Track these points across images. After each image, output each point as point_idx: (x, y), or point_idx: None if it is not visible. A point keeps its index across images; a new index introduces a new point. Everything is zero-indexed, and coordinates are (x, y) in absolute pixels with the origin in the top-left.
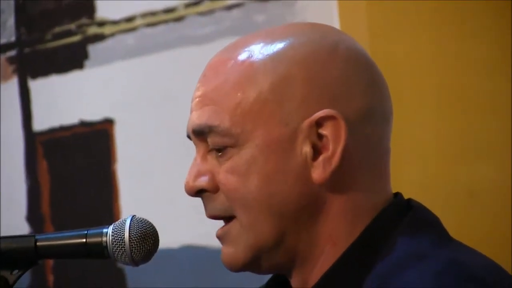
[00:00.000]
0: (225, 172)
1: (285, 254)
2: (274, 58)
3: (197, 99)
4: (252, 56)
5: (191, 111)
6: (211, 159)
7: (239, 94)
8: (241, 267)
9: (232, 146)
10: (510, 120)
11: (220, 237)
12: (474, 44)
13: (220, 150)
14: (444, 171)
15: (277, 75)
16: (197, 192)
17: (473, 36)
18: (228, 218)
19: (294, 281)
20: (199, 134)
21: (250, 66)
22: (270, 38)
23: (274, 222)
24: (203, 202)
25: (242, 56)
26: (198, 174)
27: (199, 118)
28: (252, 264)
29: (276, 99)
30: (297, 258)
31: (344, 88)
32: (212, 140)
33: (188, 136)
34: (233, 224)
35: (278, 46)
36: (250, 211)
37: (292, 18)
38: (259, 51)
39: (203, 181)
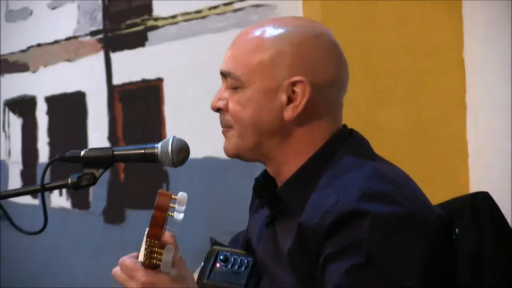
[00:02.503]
0: (233, 102)
1: (260, 156)
2: (277, 38)
3: (228, 54)
4: (263, 34)
5: (224, 61)
6: (229, 92)
7: (250, 57)
8: (232, 156)
9: (240, 87)
10: (409, 79)
11: (224, 134)
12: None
13: (233, 88)
14: (365, 115)
15: (275, 49)
16: (217, 110)
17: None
18: (231, 127)
19: (269, 170)
20: (224, 75)
21: (261, 40)
22: (277, 24)
23: (255, 136)
24: (219, 116)
25: (258, 33)
26: (220, 99)
27: (226, 65)
28: (238, 155)
29: (272, 64)
30: (269, 160)
31: (320, 65)
32: (229, 81)
33: (221, 74)
34: (232, 130)
35: (281, 30)
36: (243, 127)
37: (274, 17)
38: (268, 32)
39: (221, 103)
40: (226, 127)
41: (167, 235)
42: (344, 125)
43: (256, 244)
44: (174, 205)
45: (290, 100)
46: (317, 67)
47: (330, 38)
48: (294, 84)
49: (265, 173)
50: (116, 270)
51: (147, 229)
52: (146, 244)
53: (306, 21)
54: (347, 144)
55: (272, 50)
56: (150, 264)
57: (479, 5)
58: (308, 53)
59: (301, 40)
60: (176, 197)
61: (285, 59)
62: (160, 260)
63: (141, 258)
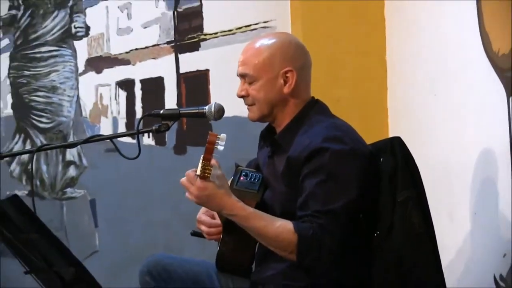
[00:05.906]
0: (252, 90)
1: (271, 118)
2: (269, 46)
3: (241, 61)
4: (262, 45)
5: (238, 66)
6: (247, 85)
7: (256, 60)
8: (254, 121)
9: (254, 80)
10: (352, 70)
11: (248, 109)
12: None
13: (250, 82)
14: (327, 91)
15: (269, 53)
16: (241, 96)
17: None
18: (254, 105)
19: (274, 125)
20: (241, 75)
21: (260, 49)
22: (268, 38)
23: (269, 108)
24: (244, 100)
25: (258, 44)
26: (242, 90)
27: (242, 69)
28: (258, 120)
29: (270, 63)
30: (275, 120)
31: (295, 57)
32: (247, 79)
33: (238, 75)
34: (254, 107)
35: (271, 41)
36: (260, 104)
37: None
38: (264, 43)
39: (243, 92)
40: (250, 105)
41: (213, 159)
42: (313, 97)
43: (262, 168)
44: (218, 141)
45: (285, 82)
46: (294, 59)
47: (298, 41)
48: (286, 72)
49: (267, 127)
50: (183, 180)
51: (202, 155)
52: (201, 164)
53: (285, 34)
54: (315, 108)
55: (268, 53)
56: (204, 176)
57: (397, 14)
58: (288, 51)
59: (283, 45)
60: (220, 136)
61: (276, 58)
62: (209, 173)
63: (198, 172)
